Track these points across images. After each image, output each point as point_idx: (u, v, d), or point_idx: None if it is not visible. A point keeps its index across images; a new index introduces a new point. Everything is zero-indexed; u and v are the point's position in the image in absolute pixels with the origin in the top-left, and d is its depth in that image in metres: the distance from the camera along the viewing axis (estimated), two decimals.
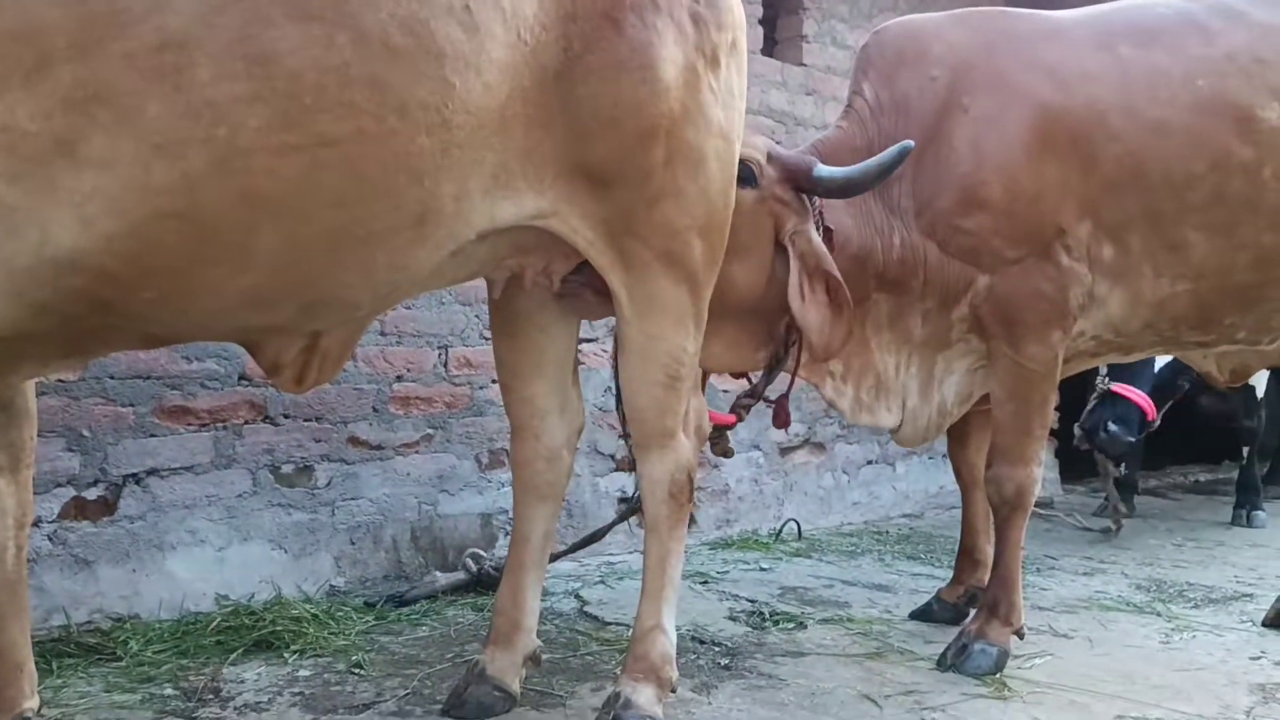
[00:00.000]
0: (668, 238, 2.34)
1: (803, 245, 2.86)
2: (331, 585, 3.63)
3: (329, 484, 3.65)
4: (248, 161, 1.67)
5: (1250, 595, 4.29)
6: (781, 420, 3.13)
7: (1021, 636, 3.21)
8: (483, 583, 3.75)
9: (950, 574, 3.86)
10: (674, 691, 2.52)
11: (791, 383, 3.14)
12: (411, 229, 1.94)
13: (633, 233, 2.31)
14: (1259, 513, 6.23)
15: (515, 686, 2.62)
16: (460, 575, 3.77)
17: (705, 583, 4.08)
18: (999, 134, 3.07)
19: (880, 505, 5.76)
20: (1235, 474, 6.56)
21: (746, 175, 2.71)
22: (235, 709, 2.58)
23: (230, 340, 2.21)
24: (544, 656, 2.88)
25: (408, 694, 2.72)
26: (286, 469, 3.55)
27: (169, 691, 2.67)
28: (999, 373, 3.16)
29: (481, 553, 3.86)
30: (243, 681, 2.76)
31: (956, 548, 3.83)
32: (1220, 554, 5.24)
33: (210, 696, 2.65)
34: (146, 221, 1.65)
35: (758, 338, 3.04)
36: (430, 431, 3.93)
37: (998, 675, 3.04)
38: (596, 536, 3.67)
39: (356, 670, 2.88)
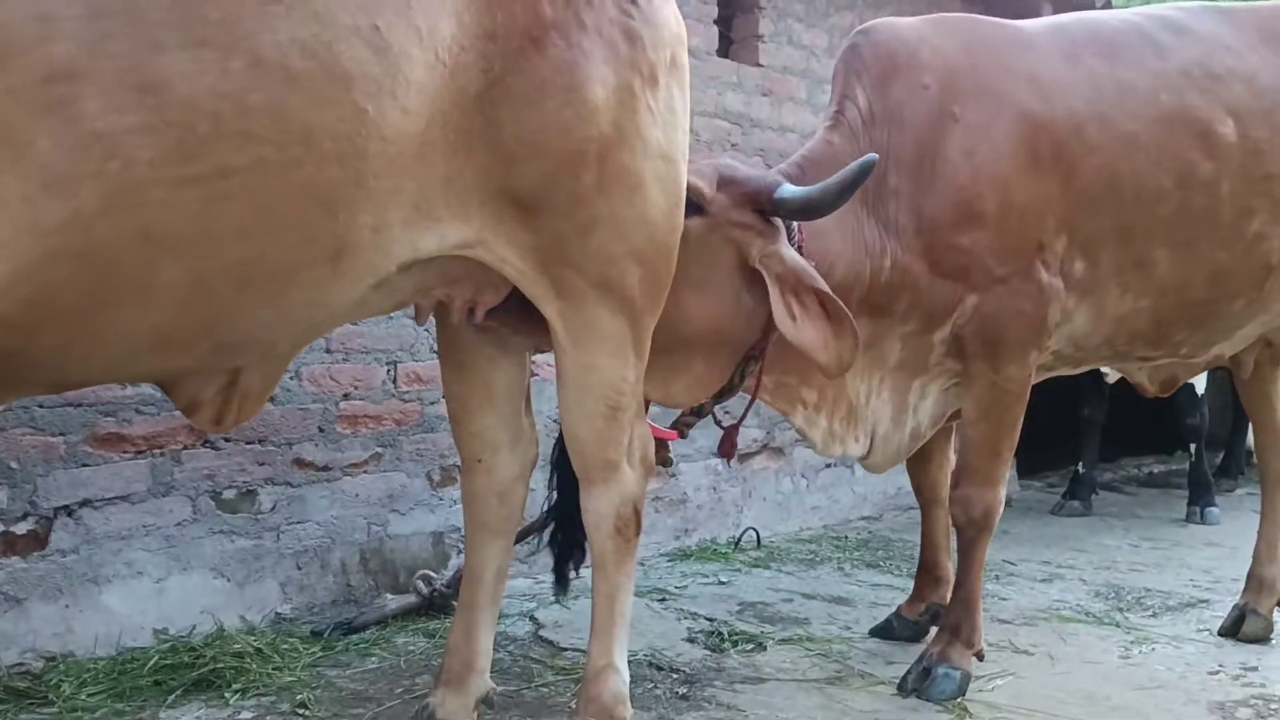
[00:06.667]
0: (603, 265, 2.24)
1: (776, 267, 2.73)
2: (277, 613, 3.52)
3: (274, 508, 3.53)
4: (143, 196, 1.58)
5: (1207, 601, 4.30)
6: (726, 450, 3.05)
7: (981, 658, 3.17)
8: (435, 605, 3.66)
9: (908, 582, 3.82)
10: None
11: (746, 411, 3.06)
12: (327, 263, 1.84)
13: (565, 261, 2.21)
14: (1212, 509, 6.28)
15: None
16: (411, 598, 3.67)
17: (663, 600, 4.01)
18: (990, 144, 3.00)
19: (839, 509, 5.73)
20: (1187, 465, 6.61)
21: (689, 205, 2.53)
22: None
23: (143, 381, 2.09)
24: (498, 689, 2.80)
25: None
26: (228, 494, 3.43)
27: None
28: (975, 393, 3.11)
29: (433, 574, 3.76)
30: None
31: (914, 554, 3.77)
32: (1176, 555, 5.26)
33: None
34: (42, 264, 1.54)
35: (726, 370, 2.92)
36: (379, 450, 3.82)
37: (960, 700, 3.00)
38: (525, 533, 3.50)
39: (301, 711, 2.78)
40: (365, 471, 3.79)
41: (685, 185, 2.43)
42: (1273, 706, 3.07)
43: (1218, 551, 5.37)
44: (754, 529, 5.04)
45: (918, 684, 3.06)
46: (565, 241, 2.19)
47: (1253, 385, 3.84)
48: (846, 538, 5.34)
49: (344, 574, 3.72)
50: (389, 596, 3.71)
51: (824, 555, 4.91)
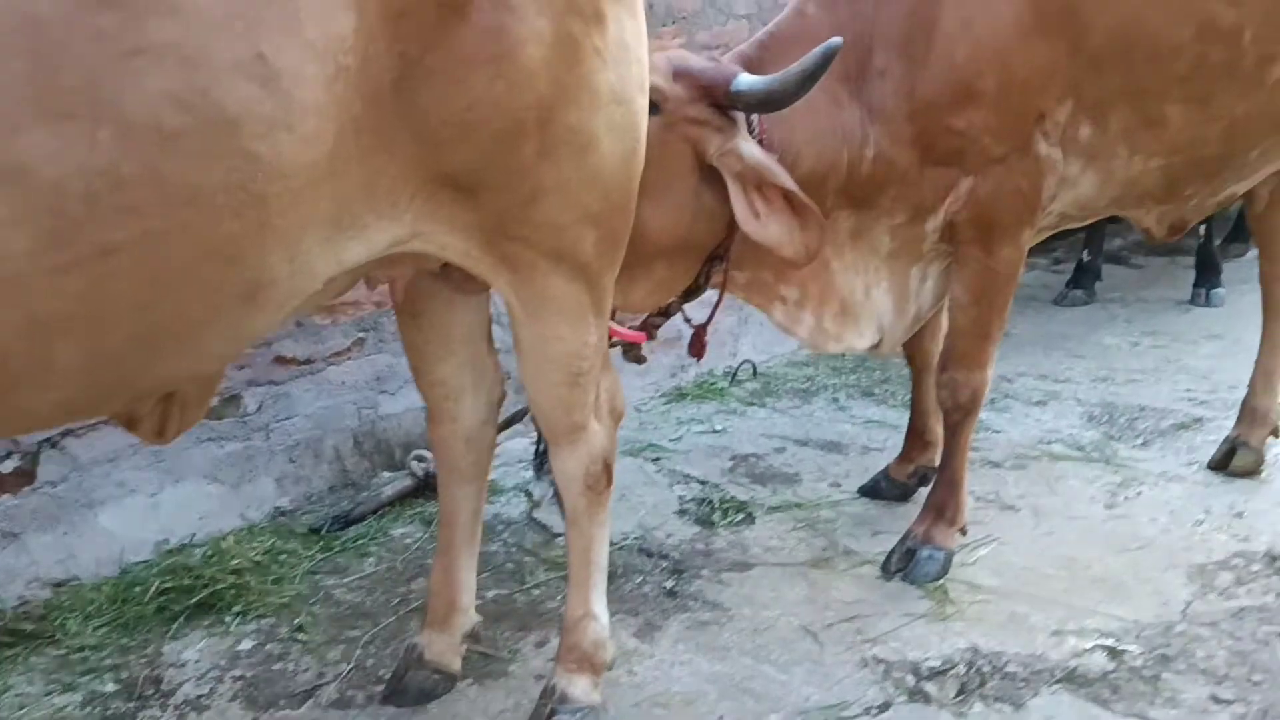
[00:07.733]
0: (553, 235, 2.09)
1: (735, 165, 2.59)
2: (276, 507, 3.58)
3: (259, 408, 3.53)
4: (25, 287, 1.46)
5: (1200, 420, 4.29)
6: (697, 350, 2.99)
7: (964, 533, 3.21)
8: (430, 486, 3.70)
9: (902, 416, 3.82)
10: (610, 669, 2.52)
11: (714, 310, 2.97)
12: (241, 306, 1.72)
13: (511, 235, 2.06)
14: (1218, 290, 6.19)
15: (456, 666, 2.61)
16: (406, 480, 3.72)
17: (657, 459, 4.05)
18: (991, 11, 2.77)
19: None
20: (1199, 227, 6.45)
21: None
22: (175, 708, 2.58)
23: None
24: (490, 593, 2.90)
25: (352, 668, 2.73)
26: (211, 402, 3.41)
27: (110, 688, 2.67)
28: (966, 276, 3.00)
29: (426, 452, 3.79)
30: (183, 665, 2.76)
31: (910, 385, 3.70)
32: (1175, 355, 5.22)
33: (150, 690, 2.65)
34: None
35: (690, 272, 2.84)
36: (361, 335, 3.77)
37: (941, 582, 3.07)
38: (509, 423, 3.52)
39: (299, 636, 2.87)
40: (349, 358, 3.75)
41: (644, 122, 2.23)
42: (1253, 569, 3.13)
43: (1218, 346, 5.31)
44: (750, 361, 5.02)
45: (901, 565, 3.12)
46: (509, 215, 2.04)
47: (1265, 218, 3.68)
48: (843, 358, 5.31)
49: (339, 460, 3.76)
50: (385, 476, 3.77)
51: (820, 383, 4.89)
